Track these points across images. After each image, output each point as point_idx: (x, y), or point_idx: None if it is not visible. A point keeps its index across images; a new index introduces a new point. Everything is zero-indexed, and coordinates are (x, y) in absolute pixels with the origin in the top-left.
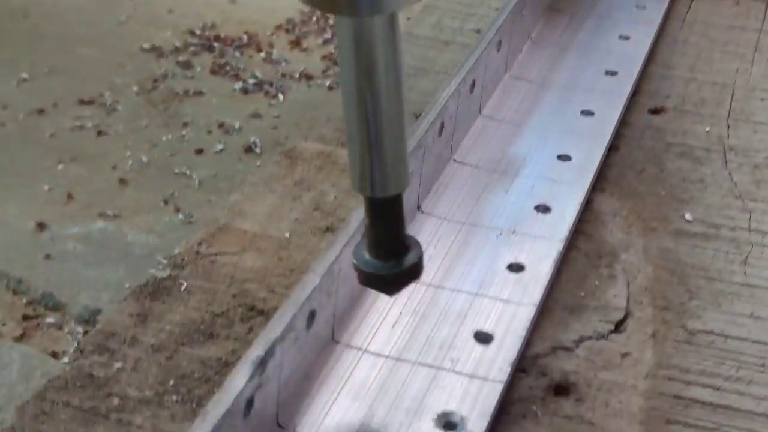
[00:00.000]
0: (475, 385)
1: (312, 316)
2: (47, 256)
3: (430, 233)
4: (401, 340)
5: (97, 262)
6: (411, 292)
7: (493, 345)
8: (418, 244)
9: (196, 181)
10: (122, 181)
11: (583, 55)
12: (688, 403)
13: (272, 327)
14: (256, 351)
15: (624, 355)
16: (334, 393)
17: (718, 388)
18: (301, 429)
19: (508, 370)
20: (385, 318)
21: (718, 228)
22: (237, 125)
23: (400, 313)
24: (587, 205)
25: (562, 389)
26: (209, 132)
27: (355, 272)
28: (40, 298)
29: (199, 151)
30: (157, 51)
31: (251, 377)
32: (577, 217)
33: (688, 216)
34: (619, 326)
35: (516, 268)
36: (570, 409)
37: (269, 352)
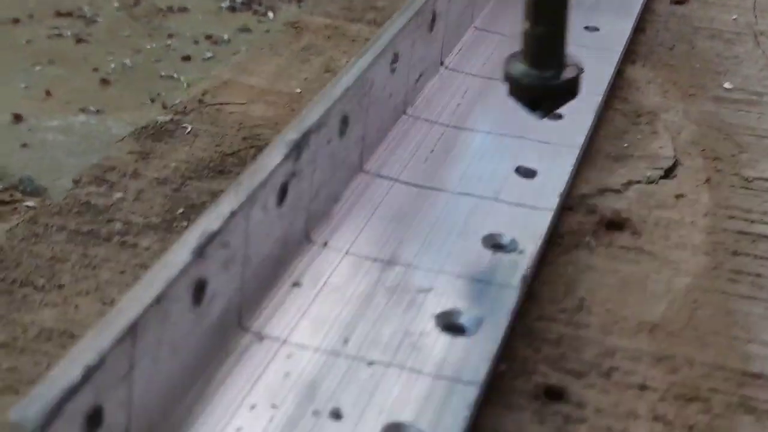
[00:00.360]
0: (522, 213)
1: (345, 122)
2: (24, 145)
3: (458, 87)
4: (435, 172)
5: (80, 152)
6: (443, 131)
7: (538, 179)
8: (577, 60)
9: (184, 84)
10: (104, 81)
11: None
12: (755, 238)
13: (304, 119)
14: (291, 135)
15: (678, 197)
16: (367, 215)
17: None
18: (334, 243)
19: (557, 199)
20: (416, 152)
21: (760, 95)
22: (226, 37)
23: (432, 150)
24: (618, 74)
25: (615, 225)
26: (196, 42)
27: (507, 84)
28: (18, 183)
29: (186, 58)
30: None
31: (286, 157)
32: (611, 79)
33: (727, 84)
34: (669, 173)
35: (555, 116)
36: (627, 241)
37: (304, 140)
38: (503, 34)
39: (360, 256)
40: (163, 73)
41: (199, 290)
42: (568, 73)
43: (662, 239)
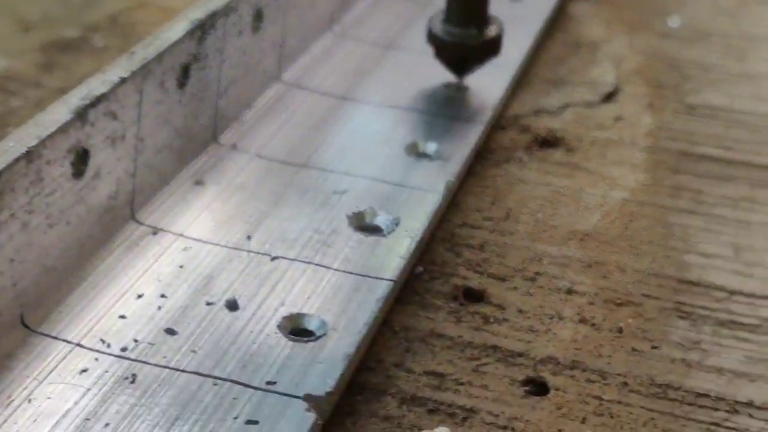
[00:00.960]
0: (449, 125)
1: (259, 17)
2: None
3: (392, 7)
4: (360, 85)
5: None
6: (371, 50)
7: (470, 94)
8: (498, 19)
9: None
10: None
11: None
12: (698, 158)
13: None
14: (195, 13)
15: (618, 119)
16: (282, 122)
17: (729, 148)
18: (244, 146)
19: (490, 114)
20: (341, 67)
21: (708, 35)
22: None
23: (358, 66)
24: (560, 11)
25: (548, 142)
26: None
27: (431, 41)
28: None
29: None
30: None
31: (189, 35)
32: (549, 16)
33: (673, 23)
34: (609, 98)
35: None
36: (560, 157)
37: (210, 21)
38: None
39: (272, 159)
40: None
41: (80, 160)
42: (490, 32)
43: (599, 157)
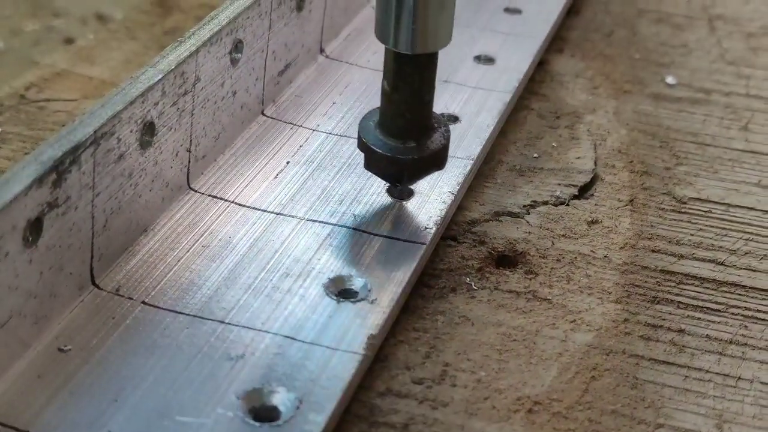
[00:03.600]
0: (386, 248)
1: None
2: None
3: (336, 76)
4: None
5: None
6: (308, 139)
7: (414, 201)
8: (444, 123)
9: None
10: None
11: None
12: (680, 280)
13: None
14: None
15: (592, 223)
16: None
17: (721, 263)
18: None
19: (433, 229)
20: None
21: (708, 93)
22: (120, 17)
23: (287, 162)
24: (540, 66)
25: (507, 260)
26: (84, 23)
27: (361, 149)
28: None
29: (69, 41)
30: None
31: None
32: (528, 72)
33: (669, 79)
34: (584, 192)
35: (449, 118)
36: (518, 283)
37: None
38: None
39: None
40: (38, 59)
41: None
42: (434, 143)
43: (563, 281)
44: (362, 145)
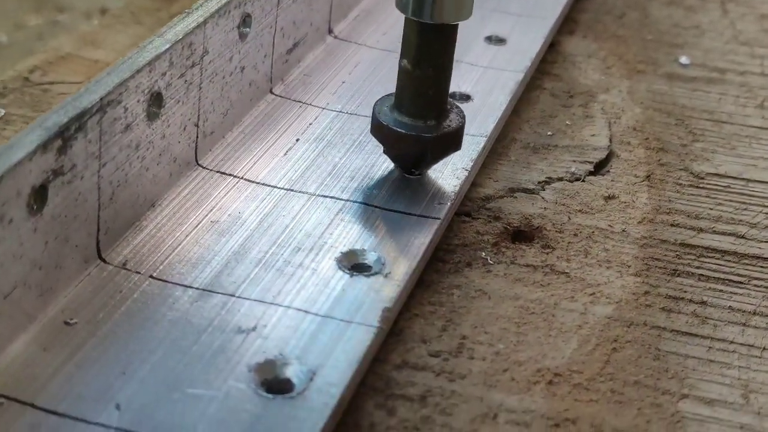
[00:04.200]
0: (400, 222)
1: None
2: None
3: (345, 56)
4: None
5: None
6: (318, 117)
7: (428, 177)
8: (456, 105)
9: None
10: None
11: None
12: (701, 253)
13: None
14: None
15: (608, 198)
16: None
17: (742, 236)
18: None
19: (447, 204)
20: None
21: (722, 72)
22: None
23: (296, 139)
24: (552, 47)
25: (523, 235)
26: (88, 17)
27: (377, 135)
28: None
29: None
30: None
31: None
32: (540, 52)
33: (683, 59)
34: (600, 168)
35: (460, 97)
36: (535, 257)
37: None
38: None
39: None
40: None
41: None
42: (452, 122)
43: (581, 254)
44: (380, 129)
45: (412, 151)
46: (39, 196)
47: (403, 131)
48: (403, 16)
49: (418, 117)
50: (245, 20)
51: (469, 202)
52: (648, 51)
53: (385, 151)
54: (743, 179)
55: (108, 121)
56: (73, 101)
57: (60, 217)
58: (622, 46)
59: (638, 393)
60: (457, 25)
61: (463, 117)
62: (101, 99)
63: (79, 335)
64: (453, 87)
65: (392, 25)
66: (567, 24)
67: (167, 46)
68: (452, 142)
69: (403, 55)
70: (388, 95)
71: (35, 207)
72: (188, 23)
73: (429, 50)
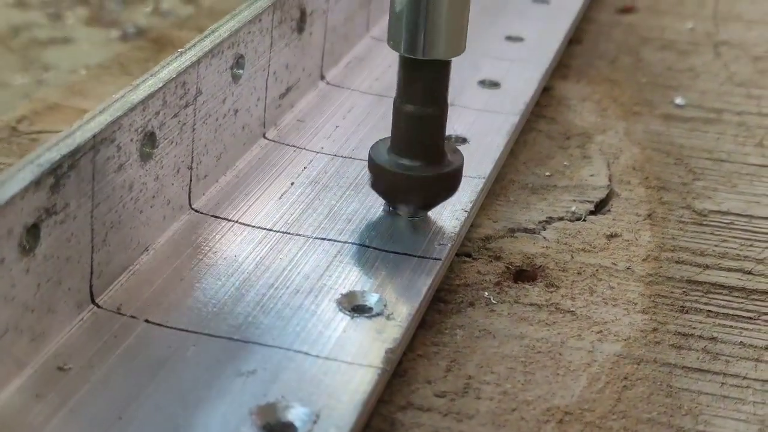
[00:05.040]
0: (400, 264)
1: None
2: None
3: (338, 102)
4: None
5: None
6: (312, 161)
7: (427, 219)
8: (455, 148)
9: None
10: None
11: None
12: (708, 289)
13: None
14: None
15: (611, 237)
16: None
17: (749, 272)
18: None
19: (448, 245)
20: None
21: (719, 112)
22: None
23: (291, 183)
24: (546, 92)
25: (525, 275)
26: (74, 74)
27: (371, 177)
28: None
29: None
30: (22, 4)
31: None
32: (534, 95)
33: (678, 100)
34: (600, 207)
35: (457, 140)
36: (539, 296)
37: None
38: None
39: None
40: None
41: None
42: (452, 163)
43: (586, 293)
44: (377, 170)
45: (404, 193)
46: (31, 235)
47: (401, 172)
48: (394, 62)
49: (416, 158)
50: (238, 61)
51: (470, 243)
52: (643, 93)
53: (383, 195)
54: (747, 216)
55: (101, 160)
56: (66, 138)
57: (53, 258)
58: (617, 89)
59: (652, 430)
60: (450, 61)
61: (461, 157)
62: (94, 136)
63: (73, 381)
64: (448, 130)
65: (384, 71)
66: (560, 69)
67: (160, 84)
68: (451, 183)
69: (398, 95)
70: (382, 140)
71: (27, 247)
72: (181, 62)
73: (423, 87)
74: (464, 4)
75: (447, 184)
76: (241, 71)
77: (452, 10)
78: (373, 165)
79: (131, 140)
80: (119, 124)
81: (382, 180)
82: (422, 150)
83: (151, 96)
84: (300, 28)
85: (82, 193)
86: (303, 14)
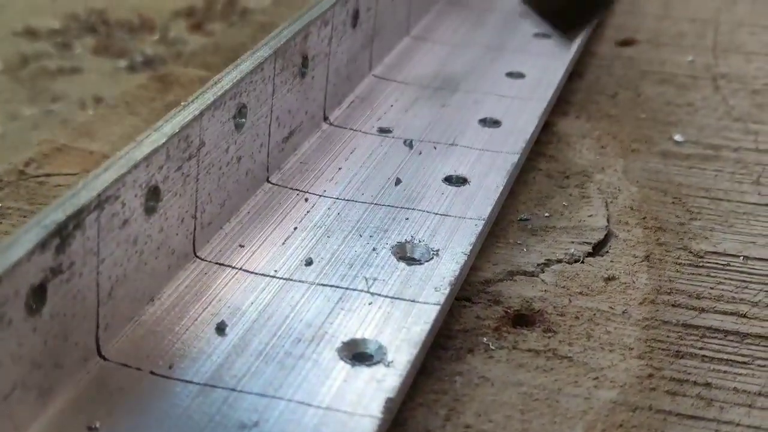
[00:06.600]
0: (400, 310)
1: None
2: None
3: (341, 143)
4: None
5: None
6: (315, 205)
7: (427, 264)
8: None
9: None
10: None
11: None
12: (704, 333)
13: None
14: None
15: (609, 280)
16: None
17: (743, 315)
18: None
19: (447, 290)
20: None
21: (717, 149)
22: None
23: (294, 228)
24: (546, 128)
25: (524, 319)
26: (83, 106)
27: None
28: None
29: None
30: (31, 34)
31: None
32: (534, 133)
33: (677, 137)
34: (599, 249)
35: (456, 181)
36: (537, 341)
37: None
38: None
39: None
40: (37, 141)
41: None
42: None
43: (583, 338)
44: None
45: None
46: (38, 295)
47: None
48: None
49: None
50: (241, 111)
51: (469, 287)
52: (642, 129)
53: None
54: (742, 257)
55: (106, 218)
56: (71, 198)
57: (59, 316)
58: (616, 125)
59: None
60: None
61: None
62: (99, 195)
63: None
64: (449, 170)
65: (387, 111)
66: (560, 104)
67: (164, 139)
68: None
69: None
70: None
71: (34, 307)
72: (184, 116)
73: None
74: None
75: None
76: (243, 120)
77: None
78: None
79: (135, 196)
80: (123, 181)
81: None
82: None
83: (154, 152)
84: (302, 73)
85: (87, 251)
86: (305, 59)
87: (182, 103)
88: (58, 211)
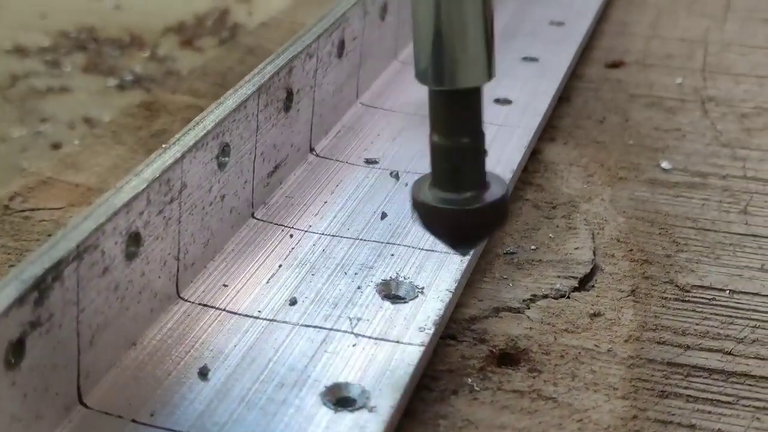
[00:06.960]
0: (384, 351)
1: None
2: None
3: (327, 175)
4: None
5: None
6: (300, 241)
7: (412, 302)
8: (497, 176)
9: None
10: None
11: (525, 3)
12: (689, 372)
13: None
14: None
15: (594, 316)
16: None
17: (729, 352)
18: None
19: (431, 330)
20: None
21: (705, 176)
22: (107, 119)
23: (279, 265)
24: (534, 156)
25: (509, 359)
26: (72, 127)
27: (416, 214)
28: None
29: (56, 146)
30: (20, 51)
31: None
32: (521, 163)
33: (664, 164)
34: (584, 283)
35: None
36: (521, 381)
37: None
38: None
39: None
40: (25, 166)
41: None
42: (494, 192)
43: (568, 377)
44: (417, 206)
45: (451, 227)
46: (16, 350)
47: (443, 206)
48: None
49: (455, 191)
50: (224, 150)
51: (454, 324)
52: (629, 156)
53: (424, 227)
54: (728, 290)
55: (85, 267)
56: (49, 249)
57: (39, 368)
58: (603, 152)
59: None
60: (480, 88)
61: (505, 185)
62: (78, 246)
63: None
64: None
65: (373, 141)
66: (548, 130)
67: (144, 185)
68: (496, 213)
69: (432, 129)
70: (421, 177)
71: (13, 361)
72: (165, 159)
73: (456, 119)
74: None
75: (485, 217)
76: (227, 158)
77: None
78: (413, 197)
79: (116, 243)
80: (103, 230)
81: (420, 212)
82: (457, 182)
83: (134, 198)
84: (287, 107)
85: (67, 302)
86: (290, 94)
87: (163, 146)
88: (36, 264)
